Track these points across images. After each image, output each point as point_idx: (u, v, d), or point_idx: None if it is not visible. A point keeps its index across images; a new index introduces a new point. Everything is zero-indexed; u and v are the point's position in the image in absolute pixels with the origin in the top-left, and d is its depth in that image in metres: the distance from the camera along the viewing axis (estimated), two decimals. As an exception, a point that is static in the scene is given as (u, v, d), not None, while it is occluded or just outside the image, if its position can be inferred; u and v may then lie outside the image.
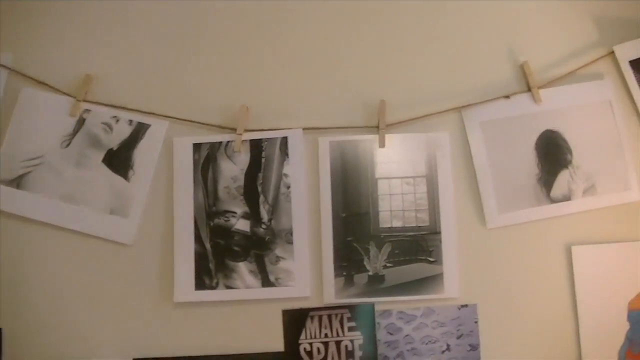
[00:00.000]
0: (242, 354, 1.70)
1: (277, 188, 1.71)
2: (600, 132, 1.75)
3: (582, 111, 1.75)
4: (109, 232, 1.71)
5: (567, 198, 1.72)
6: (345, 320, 1.70)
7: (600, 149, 1.74)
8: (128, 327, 1.72)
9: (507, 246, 1.72)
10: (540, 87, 1.74)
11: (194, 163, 1.72)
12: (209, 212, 1.71)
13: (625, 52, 1.77)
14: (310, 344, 1.69)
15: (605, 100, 1.76)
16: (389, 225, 1.70)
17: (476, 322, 1.70)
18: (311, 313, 1.70)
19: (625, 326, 1.66)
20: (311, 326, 1.70)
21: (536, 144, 1.73)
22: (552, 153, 1.73)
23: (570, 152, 1.73)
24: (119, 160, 1.72)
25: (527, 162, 1.72)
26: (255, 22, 1.75)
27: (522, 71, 1.75)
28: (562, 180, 1.73)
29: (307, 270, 1.69)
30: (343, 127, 1.72)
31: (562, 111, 1.74)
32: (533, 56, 1.75)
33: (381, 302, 1.70)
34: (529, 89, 1.73)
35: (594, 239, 1.73)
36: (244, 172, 1.72)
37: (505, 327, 1.71)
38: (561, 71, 1.75)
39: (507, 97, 1.73)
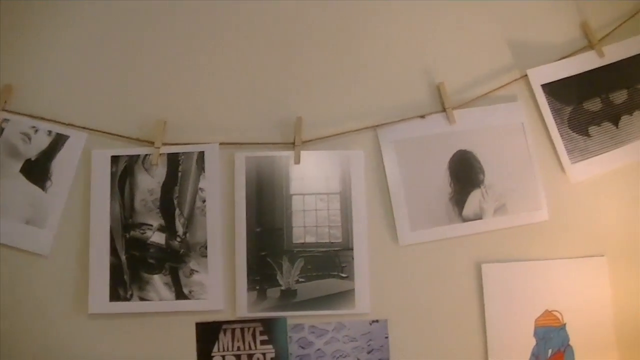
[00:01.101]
0: (157, 366, 1.70)
1: (193, 202, 1.72)
2: (512, 153, 1.79)
3: (495, 132, 1.78)
4: (24, 243, 1.72)
5: (478, 217, 1.76)
6: (257, 334, 1.72)
7: (511, 170, 1.78)
8: (43, 338, 1.72)
9: (418, 263, 1.75)
10: (455, 108, 1.77)
11: (111, 175, 1.73)
12: (125, 224, 1.72)
13: (538, 76, 1.82)
14: (223, 356, 1.72)
15: (517, 122, 1.80)
16: (302, 241, 1.72)
17: (387, 338, 1.73)
18: (224, 326, 1.72)
19: (532, 342, 1.70)
20: (224, 339, 1.72)
21: (449, 163, 1.76)
22: (465, 172, 1.76)
23: (483, 172, 1.77)
24: (37, 170, 1.72)
25: (440, 181, 1.76)
26: (174, 36, 1.77)
27: (438, 92, 1.78)
28: (474, 199, 1.76)
29: (220, 283, 1.71)
30: (259, 143, 1.74)
31: (475, 132, 1.78)
32: (449, 77, 1.79)
33: (293, 317, 1.72)
34: (444, 110, 1.77)
35: (503, 258, 1.77)
36: (161, 185, 1.73)
37: (415, 343, 1.74)
38: (476, 93, 1.79)
39: (422, 116, 1.77)
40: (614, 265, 1.80)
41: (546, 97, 1.81)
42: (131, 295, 1.71)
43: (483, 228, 1.76)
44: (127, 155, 1.74)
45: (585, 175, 1.81)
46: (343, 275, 1.72)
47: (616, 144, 1.82)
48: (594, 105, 1.83)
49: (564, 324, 1.77)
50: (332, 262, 1.72)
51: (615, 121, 1.83)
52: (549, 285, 1.78)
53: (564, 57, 1.83)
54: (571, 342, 1.78)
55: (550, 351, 1.77)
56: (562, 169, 1.80)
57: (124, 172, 1.74)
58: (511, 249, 1.78)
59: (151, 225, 1.72)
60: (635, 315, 1.79)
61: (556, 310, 1.77)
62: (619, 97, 1.84)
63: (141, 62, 1.77)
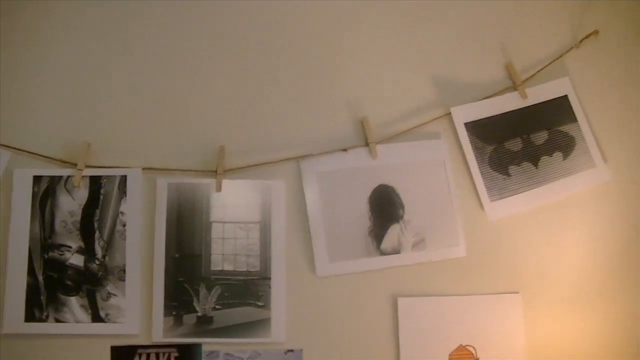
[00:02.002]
0: (68, 388, 1.70)
1: (113, 225, 1.73)
2: (432, 190, 1.82)
3: (416, 168, 1.82)
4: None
5: (396, 251, 1.79)
6: (172, 359, 1.72)
7: (431, 206, 1.81)
8: (-45, 357, 1.70)
9: (335, 294, 1.77)
10: (377, 143, 1.80)
11: (33, 195, 1.73)
12: (44, 244, 1.72)
13: (462, 114, 1.86)
14: (137, 381, 1.71)
15: (439, 159, 1.83)
16: (220, 268, 1.74)
17: (301, 367, 1.74)
18: (139, 350, 1.72)
19: (444, 377, 1.73)
20: (138, 364, 1.72)
21: (370, 197, 1.79)
22: (385, 207, 1.79)
23: (403, 207, 1.80)
24: (-43, 187, 1.71)
25: (360, 214, 1.78)
26: (101, 60, 1.78)
27: (362, 126, 1.80)
28: (393, 233, 1.79)
29: (137, 307, 1.71)
30: (182, 170, 1.75)
31: (397, 167, 1.81)
32: (373, 112, 1.82)
33: (209, 343, 1.73)
34: (367, 144, 1.79)
35: (420, 292, 1.80)
36: (82, 207, 1.74)
37: (329, 373, 1.75)
38: (399, 128, 1.83)
39: (344, 150, 1.79)
40: (528, 303, 1.84)
41: (468, 135, 1.85)
42: (47, 316, 1.71)
43: (400, 262, 1.79)
44: (50, 176, 1.75)
45: (503, 214, 1.84)
46: (260, 304, 1.74)
47: (535, 184, 1.87)
48: (514, 145, 1.88)
49: (478, 359, 1.80)
50: (249, 290, 1.74)
51: (535, 161, 1.87)
52: (464, 321, 1.81)
53: (487, 97, 1.87)
54: (484, 377, 1.80)
55: (462, 386, 1.80)
56: (481, 206, 1.84)
57: (45, 193, 1.74)
58: (428, 284, 1.81)
59: (70, 247, 1.73)
60: (547, 351, 1.83)
61: (470, 345, 1.81)
62: (540, 138, 1.89)
63: (66, 83, 1.78)
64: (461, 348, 1.80)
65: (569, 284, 1.86)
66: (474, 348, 1.80)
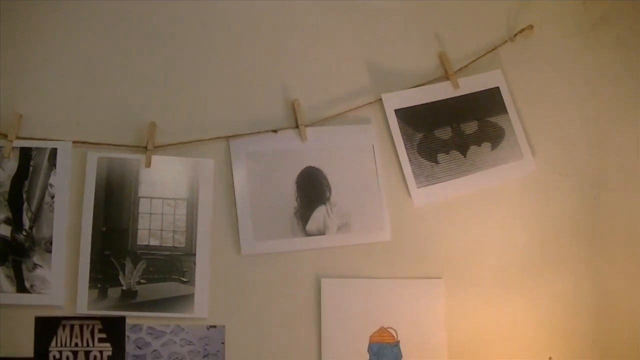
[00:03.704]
0: (-9, 358, 1.71)
1: (42, 197, 1.75)
2: (360, 174, 1.86)
3: (345, 152, 1.85)
4: None
5: (321, 233, 1.82)
6: (96, 332, 1.75)
7: (358, 190, 1.85)
8: None
9: (260, 273, 1.81)
10: (307, 125, 1.83)
11: (-39, 165, 1.73)
12: (-30, 219, 1.72)
13: (392, 101, 1.89)
14: (60, 352, 1.74)
15: (368, 144, 1.87)
16: (146, 243, 1.76)
17: (223, 343, 1.78)
18: (63, 322, 1.74)
19: (365, 357, 1.77)
20: (62, 335, 1.74)
21: (297, 178, 1.82)
22: (312, 189, 1.83)
23: (329, 190, 1.83)
24: None
25: (287, 195, 1.82)
26: (35, 32, 1.79)
27: (292, 108, 1.83)
28: (319, 215, 1.82)
29: (62, 279, 1.74)
30: (112, 145, 1.77)
31: (326, 150, 1.84)
32: (305, 95, 1.85)
33: (132, 317, 1.75)
34: (297, 126, 1.82)
35: (343, 274, 1.84)
36: (11, 178, 1.75)
37: (252, 350, 1.80)
38: (330, 112, 1.86)
39: (274, 131, 1.82)
40: (450, 288, 1.88)
41: (398, 122, 1.89)
42: (-28, 286, 1.72)
43: (325, 244, 1.83)
44: (-21, 147, 1.75)
45: (429, 200, 1.89)
46: (184, 279, 1.76)
47: (462, 173, 1.91)
48: (444, 133, 1.92)
49: (398, 341, 1.85)
50: (174, 266, 1.77)
51: (464, 151, 1.91)
52: (386, 303, 1.85)
53: (419, 85, 1.91)
54: (404, 359, 1.84)
55: (382, 366, 1.84)
56: (408, 192, 1.88)
57: (-26, 163, 1.75)
58: (352, 266, 1.84)
59: (-3, 217, 1.74)
60: (467, 335, 1.88)
61: (391, 328, 1.85)
62: (470, 128, 1.93)
63: (2, 54, 1.78)
64: (382, 330, 1.84)
65: (491, 271, 1.90)
66: (395, 330, 1.84)
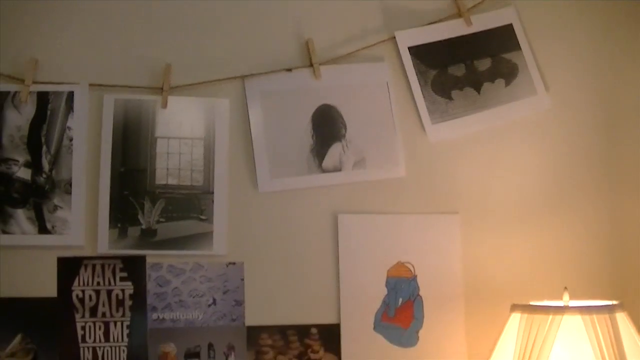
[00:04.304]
0: (16, 298, 1.75)
1: (60, 140, 1.77)
2: (375, 111, 1.87)
3: (359, 90, 1.86)
4: None
5: (337, 169, 1.84)
6: (117, 271, 1.77)
7: (373, 127, 1.86)
8: None
9: (277, 210, 1.82)
10: (321, 64, 1.84)
11: (-21, 111, 1.75)
12: (-8, 159, 1.75)
13: (405, 39, 1.90)
14: (83, 291, 1.77)
15: (382, 81, 1.88)
16: (164, 182, 1.78)
17: (242, 280, 1.80)
18: (85, 262, 1.77)
19: (383, 292, 1.79)
20: (84, 274, 1.77)
21: (313, 116, 1.84)
22: (327, 126, 1.84)
23: (345, 127, 1.85)
24: None
25: (303, 133, 1.83)
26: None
27: (306, 47, 1.84)
28: (334, 152, 1.84)
29: (83, 220, 1.76)
30: (128, 86, 1.78)
31: (340, 88, 1.85)
32: (318, 33, 1.86)
33: (152, 255, 1.77)
34: (311, 65, 1.83)
35: (360, 210, 1.85)
36: (29, 122, 1.77)
37: (270, 286, 1.82)
38: (344, 50, 1.86)
39: (289, 70, 1.83)
40: (466, 223, 1.89)
41: (412, 59, 1.90)
42: (-6, 228, 1.74)
43: (341, 180, 1.84)
44: (-3, 92, 1.77)
45: (444, 136, 1.90)
46: (202, 217, 1.78)
47: (476, 109, 1.92)
48: (458, 70, 1.92)
49: (415, 276, 1.86)
50: (192, 204, 1.79)
51: (478, 87, 1.92)
52: (403, 238, 1.87)
53: (432, 23, 1.91)
54: (421, 293, 1.87)
55: (400, 300, 1.86)
56: (423, 128, 1.89)
57: (-8, 108, 1.77)
58: (368, 202, 1.86)
59: (17, 161, 1.77)
60: (482, 270, 1.89)
61: (408, 262, 1.86)
62: (483, 64, 1.94)
63: (17, 2, 1.79)
64: (399, 265, 1.86)
65: (507, 205, 1.91)
66: (412, 265, 1.86)
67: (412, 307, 1.84)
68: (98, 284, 1.76)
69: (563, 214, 1.90)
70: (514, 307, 1.61)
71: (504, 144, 1.90)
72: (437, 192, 1.87)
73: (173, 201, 1.77)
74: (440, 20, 1.90)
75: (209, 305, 1.77)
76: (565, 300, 1.60)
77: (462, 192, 1.88)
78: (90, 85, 1.78)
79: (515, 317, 1.59)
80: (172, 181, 1.77)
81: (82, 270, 1.76)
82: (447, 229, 1.86)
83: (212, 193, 1.78)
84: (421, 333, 1.85)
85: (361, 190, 1.84)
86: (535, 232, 1.90)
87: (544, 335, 1.50)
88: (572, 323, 1.50)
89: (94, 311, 1.76)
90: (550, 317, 1.51)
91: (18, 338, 1.75)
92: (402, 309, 1.84)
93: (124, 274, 1.76)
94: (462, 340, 1.86)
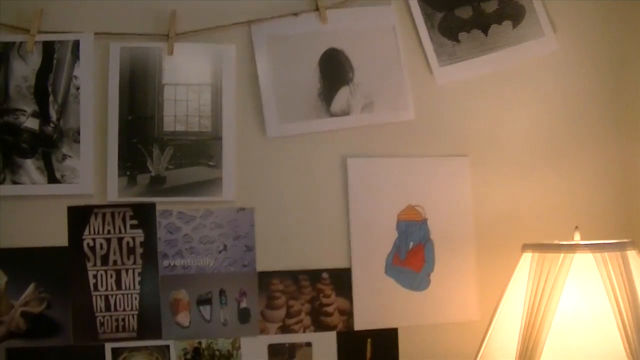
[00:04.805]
0: (27, 248, 1.75)
1: (67, 89, 1.76)
2: (382, 54, 1.86)
3: (366, 33, 1.85)
4: None
5: (345, 113, 1.83)
6: (127, 218, 1.77)
7: (381, 70, 1.85)
8: None
9: (286, 155, 1.82)
10: (328, 8, 1.83)
11: (-14, 62, 1.75)
12: (-1, 109, 1.74)
13: (411, -20, 1.87)
14: (94, 239, 1.77)
15: (389, 24, 1.87)
16: (172, 129, 1.78)
17: (252, 225, 1.80)
18: (95, 210, 1.77)
19: (393, 235, 1.78)
20: (95, 223, 1.77)
21: (320, 60, 1.83)
22: (334, 70, 1.83)
23: (352, 70, 1.84)
24: None
25: (310, 77, 1.82)
26: None
27: (312, -10, 1.82)
28: (342, 96, 1.83)
29: (92, 168, 1.76)
30: (134, 34, 1.78)
31: (347, 31, 1.84)
32: (326, -24, 1.82)
33: (162, 202, 1.77)
34: (317, 8, 1.82)
35: (369, 153, 1.84)
36: (36, 72, 1.76)
37: (281, 231, 1.81)
38: (350, -6, 1.84)
39: (295, 14, 1.82)
40: (476, 165, 1.88)
41: (418, 2, 1.89)
42: (4, 179, 1.75)
43: (350, 124, 1.83)
44: (2, 42, 1.77)
45: (452, 78, 1.89)
46: (211, 163, 1.78)
47: (484, 51, 1.90)
48: (465, 12, 1.91)
49: (425, 219, 1.86)
50: (201, 150, 1.78)
51: (485, 29, 1.91)
52: (412, 182, 1.86)
53: (436, -36, 1.88)
54: (431, 236, 1.87)
55: (411, 244, 1.86)
56: (430, 71, 1.88)
57: (-2, 59, 1.76)
58: (377, 146, 1.85)
59: (25, 111, 1.76)
60: (493, 212, 1.89)
61: (418, 205, 1.86)
62: (490, 6, 1.92)
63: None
64: (410, 208, 1.85)
65: (516, 147, 1.91)
66: (422, 208, 1.85)
67: (423, 250, 1.84)
68: (108, 232, 1.76)
69: (573, 154, 1.89)
70: (525, 247, 1.60)
71: (512, 85, 1.89)
72: (446, 135, 1.87)
73: (181, 148, 1.77)
74: (446, -38, 1.87)
75: (220, 252, 1.77)
76: (577, 240, 1.58)
77: (471, 134, 1.88)
78: (96, 34, 1.77)
79: (527, 257, 1.58)
80: (180, 128, 1.77)
81: (92, 218, 1.76)
82: (457, 172, 1.86)
83: (221, 139, 1.77)
84: (432, 276, 1.84)
85: (370, 134, 1.83)
86: (545, 173, 1.89)
87: (556, 274, 1.49)
88: (584, 261, 1.50)
89: (105, 259, 1.76)
90: (562, 255, 1.50)
91: (31, 287, 1.74)
92: (413, 252, 1.83)
93: (134, 222, 1.76)
94: (473, 283, 1.86)
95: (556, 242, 1.62)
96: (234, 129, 1.79)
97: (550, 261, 1.53)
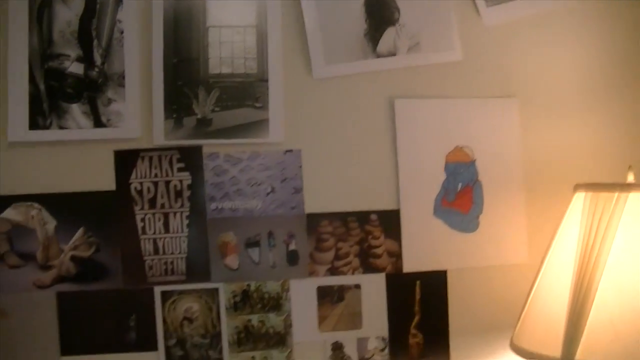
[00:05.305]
0: (75, 193, 1.75)
1: (111, 33, 1.75)
2: (428, -5, 1.81)
3: (411, -27, 1.81)
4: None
5: (392, 54, 1.80)
6: (174, 161, 1.76)
7: (427, 10, 1.83)
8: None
9: (333, 96, 1.80)
10: (372, -54, 1.79)
11: (29, 8, 1.74)
12: (43, 54, 1.74)
13: None
14: (141, 183, 1.76)
15: (435, -37, 1.82)
16: (218, 72, 1.76)
17: (300, 167, 1.78)
18: (142, 154, 1.76)
19: (442, 176, 1.76)
20: (142, 166, 1.76)
21: (365, 0, 1.79)
22: (380, 10, 1.80)
23: (398, 11, 1.81)
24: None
25: (356, 17, 1.80)
26: None
27: None
28: (388, 37, 1.80)
29: (138, 112, 1.75)
30: (177, -25, 1.75)
31: (392, -30, 1.80)
32: None
33: (209, 145, 1.75)
34: (362, -52, 1.78)
35: (416, 94, 1.81)
36: (79, 17, 1.75)
37: (328, 173, 1.80)
38: None
39: (340, -46, 1.78)
40: (525, 107, 1.85)
41: (467, -60, 1.83)
42: (50, 124, 1.74)
43: (396, 64, 1.81)
44: (46, -13, 1.74)
45: (500, 20, 1.86)
46: (257, 105, 1.76)
47: (531, -9, 1.85)
48: (513, -48, 1.86)
49: (474, 160, 1.83)
50: (247, 92, 1.76)
51: (532, -31, 1.86)
52: (461, 123, 1.83)
53: None
54: (480, 178, 1.84)
55: (460, 185, 1.84)
56: (477, 12, 1.84)
57: (42, 4, 1.75)
58: (424, 87, 1.83)
59: (69, 56, 1.75)
60: (542, 153, 1.86)
61: (467, 147, 1.83)
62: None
63: None
64: (458, 149, 1.83)
65: (565, 88, 1.88)
66: (470, 149, 1.83)
67: (472, 192, 1.81)
68: (155, 175, 1.75)
69: (624, 94, 1.87)
70: (578, 187, 1.57)
71: (562, 26, 1.87)
72: (494, 76, 1.84)
73: (227, 90, 1.74)
74: None
75: (268, 194, 1.75)
76: (630, 180, 1.55)
77: (519, 75, 1.85)
78: (139, -24, 1.73)
79: (579, 197, 1.55)
80: (225, 70, 1.75)
81: (139, 162, 1.75)
82: (505, 113, 1.83)
83: (267, 81, 1.75)
84: (481, 218, 1.82)
85: (417, 75, 1.81)
86: (595, 114, 1.86)
87: (610, 213, 1.46)
88: (638, 201, 1.45)
89: (152, 203, 1.75)
90: (616, 194, 1.47)
91: (80, 232, 1.74)
92: (461, 193, 1.81)
93: (181, 165, 1.75)
94: (522, 225, 1.83)
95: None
96: (280, 70, 1.77)
97: (604, 200, 1.50)
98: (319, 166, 1.78)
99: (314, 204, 1.78)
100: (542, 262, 1.61)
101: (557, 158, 1.85)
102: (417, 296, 1.81)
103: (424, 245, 1.80)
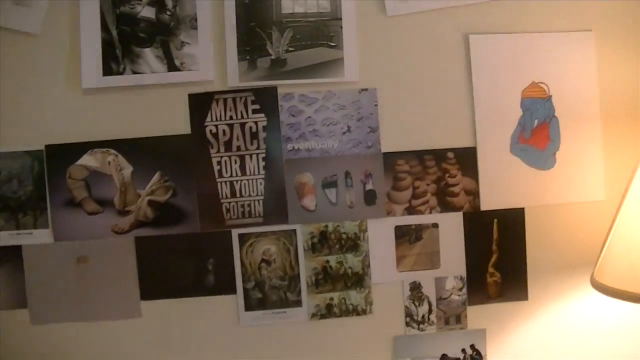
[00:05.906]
0: (150, 137, 1.75)
1: (182, -26, 1.72)
2: None
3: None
4: (14, 22, 1.71)
5: (465, -12, 1.76)
6: (249, 103, 1.75)
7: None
8: (38, 116, 1.75)
9: (406, 34, 1.77)
10: None
11: (100, -48, 1.72)
12: (115, 0, 1.72)
13: None
14: (216, 126, 1.75)
15: None
16: (290, 11, 1.74)
17: (376, 106, 1.76)
18: (216, 96, 1.75)
19: (518, 113, 1.73)
20: (216, 109, 1.75)
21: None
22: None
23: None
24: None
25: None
26: None
27: None
28: (462, -29, 1.76)
29: (211, 54, 1.73)
30: None
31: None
32: None
33: (283, 85, 1.74)
34: None
35: (491, 29, 1.78)
36: (150, -41, 1.72)
37: (404, 111, 1.77)
38: None
39: None
40: (601, 41, 1.82)
41: None
42: (124, 69, 1.74)
43: (470, 0, 1.76)
44: None
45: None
46: (332, 44, 1.74)
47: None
48: None
49: (550, 96, 1.80)
50: (320, 31, 1.74)
51: None
52: (536, 58, 1.80)
53: None
54: (556, 114, 1.81)
55: (536, 122, 1.81)
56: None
57: (112, -52, 1.73)
58: (500, 22, 1.80)
59: (140, 0, 1.73)
60: (620, 89, 1.82)
61: (542, 82, 1.80)
62: None
63: None
64: (533, 85, 1.80)
65: (643, 21, 1.81)
66: (546, 85, 1.80)
67: (548, 128, 1.79)
68: (231, 117, 1.74)
69: None
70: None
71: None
72: (569, 10, 1.81)
73: (301, 29, 1.72)
74: None
75: (344, 133, 1.74)
76: None
77: (595, 9, 1.81)
78: None
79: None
80: (298, 9, 1.72)
81: (213, 105, 1.73)
82: (581, 47, 1.80)
83: (340, 19, 1.73)
84: (558, 155, 1.79)
85: (491, 10, 1.78)
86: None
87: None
88: None
89: (228, 145, 1.74)
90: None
91: (157, 176, 1.73)
92: (537, 130, 1.78)
93: (256, 106, 1.73)
94: (599, 162, 1.80)
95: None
96: (353, 8, 1.75)
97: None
98: (394, 104, 1.76)
99: (390, 142, 1.76)
100: (622, 198, 1.58)
101: (634, 93, 1.80)
102: (495, 235, 1.79)
103: (501, 183, 1.78)
